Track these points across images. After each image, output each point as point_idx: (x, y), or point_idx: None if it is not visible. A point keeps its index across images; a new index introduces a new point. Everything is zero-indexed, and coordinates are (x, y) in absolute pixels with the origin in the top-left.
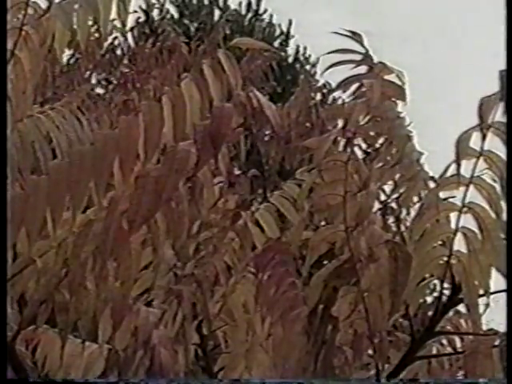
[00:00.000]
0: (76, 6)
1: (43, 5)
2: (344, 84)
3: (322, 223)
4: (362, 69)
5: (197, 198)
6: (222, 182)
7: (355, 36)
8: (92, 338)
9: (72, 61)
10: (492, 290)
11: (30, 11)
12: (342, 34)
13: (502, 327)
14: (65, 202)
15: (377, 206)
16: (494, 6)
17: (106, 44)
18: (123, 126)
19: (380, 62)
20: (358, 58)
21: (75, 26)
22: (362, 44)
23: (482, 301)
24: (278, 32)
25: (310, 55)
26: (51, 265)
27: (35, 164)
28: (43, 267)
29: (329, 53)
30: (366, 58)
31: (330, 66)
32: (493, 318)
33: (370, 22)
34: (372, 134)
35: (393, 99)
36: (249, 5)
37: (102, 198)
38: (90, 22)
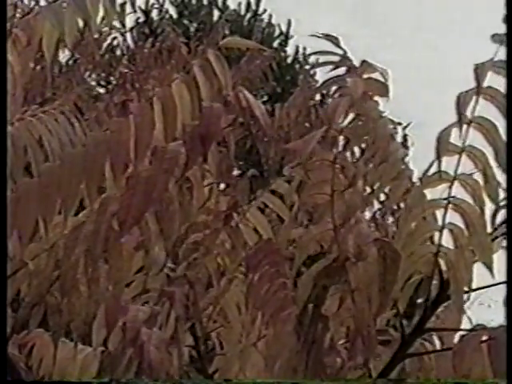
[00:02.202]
0: (64, 6)
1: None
2: (327, 84)
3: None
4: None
5: (194, 197)
6: (213, 183)
7: (331, 38)
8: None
9: (71, 61)
10: (481, 285)
11: (19, 13)
12: (317, 36)
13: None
14: (56, 204)
15: (376, 206)
16: (493, 5)
17: (105, 44)
18: (114, 127)
19: (364, 61)
20: (337, 59)
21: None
22: (338, 46)
23: (473, 296)
24: (277, 32)
25: (309, 55)
26: (43, 267)
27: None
28: (35, 270)
29: (310, 54)
30: (344, 59)
31: (312, 67)
32: (492, 318)
33: (370, 22)
34: (356, 132)
35: (376, 97)
36: (248, 5)
37: (94, 200)
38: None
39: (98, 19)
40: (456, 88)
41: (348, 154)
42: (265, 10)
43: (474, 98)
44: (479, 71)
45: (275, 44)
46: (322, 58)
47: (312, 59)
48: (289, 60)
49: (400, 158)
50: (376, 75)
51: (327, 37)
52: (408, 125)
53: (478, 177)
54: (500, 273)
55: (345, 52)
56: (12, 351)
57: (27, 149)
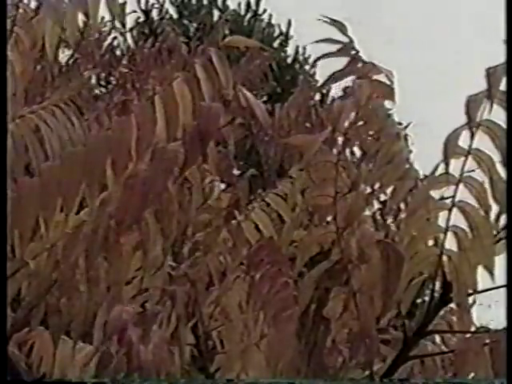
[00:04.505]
0: (65, 3)
1: (33, 5)
2: (332, 79)
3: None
4: (351, 65)
5: (194, 196)
6: (214, 181)
7: (337, 24)
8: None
9: (71, 61)
10: (483, 287)
11: (20, 14)
12: (324, 21)
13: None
14: (57, 203)
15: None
16: (493, 5)
17: (105, 44)
18: (116, 126)
19: (369, 62)
20: (341, 47)
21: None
22: (344, 33)
23: (474, 298)
24: (277, 32)
25: (309, 55)
26: (43, 267)
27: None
28: (36, 269)
29: (312, 43)
30: (347, 46)
31: (318, 59)
32: (492, 318)
33: (370, 23)
34: (361, 133)
35: (382, 98)
36: (248, 5)
37: (94, 199)
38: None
39: (99, 17)
40: (457, 88)
41: (349, 153)
42: (265, 10)
43: (485, 100)
44: (491, 74)
45: (275, 44)
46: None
47: (312, 59)
48: (289, 60)
49: (405, 158)
50: (381, 77)
51: (334, 22)
52: (408, 124)
53: (484, 179)
54: (500, 273)
55: (351, 40)
56: (12, 349)
57: (28, 147)
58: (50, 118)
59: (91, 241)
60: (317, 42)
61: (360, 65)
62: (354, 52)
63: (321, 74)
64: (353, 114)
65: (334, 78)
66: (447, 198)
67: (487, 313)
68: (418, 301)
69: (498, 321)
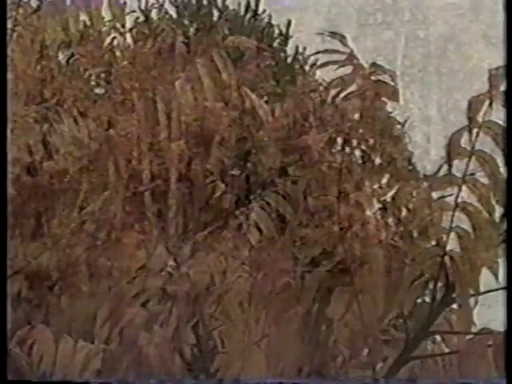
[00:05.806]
0: (67, 2)
1: (34, 5)
2: (334, 85)
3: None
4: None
5: (196, 196)
6: (215, 181)
7: (337, 36)
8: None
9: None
10: (485, 289)
11: (21, 11)
12: (323, 34)
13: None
14: (59, 202)
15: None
16: (493, 6)
17: (105, 44)
18: (117, 126)
19: (373, 63)
20: (343, 58)
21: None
22: (345, 44)
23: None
24: (277, 32)
25: (308, 56)
26: (45, 266)
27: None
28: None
29: (314, 54)
30: (350, 57)
31: (318, 67)
32: (492, 318)
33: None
34: (364, 134)
35: (384, 99)
36: (248, 5)
37: (96, 198)
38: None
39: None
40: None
41: (351, 154)
42: (265, 10)
43: (487, 102)
44: (493, 76)
45: (275, 44)
46: (324, 57)
47: (312, 59)
48: (289, 60)
49: (407, 158)
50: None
51: (334, 35)
52: (405, 121)
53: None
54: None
55: (351, 51)
56: (13, 349)
57: (29, 146)
58: (52, 117)
59: (93, 240)
60: (317, 53)
61: (362, 71)
62: (355, 61)
63: (321, 74)
64: (357, 115)
65: (338, 83)
66: (447, 196)
67: (487, 313)
68: (418, 301)
69: (498, 321)
